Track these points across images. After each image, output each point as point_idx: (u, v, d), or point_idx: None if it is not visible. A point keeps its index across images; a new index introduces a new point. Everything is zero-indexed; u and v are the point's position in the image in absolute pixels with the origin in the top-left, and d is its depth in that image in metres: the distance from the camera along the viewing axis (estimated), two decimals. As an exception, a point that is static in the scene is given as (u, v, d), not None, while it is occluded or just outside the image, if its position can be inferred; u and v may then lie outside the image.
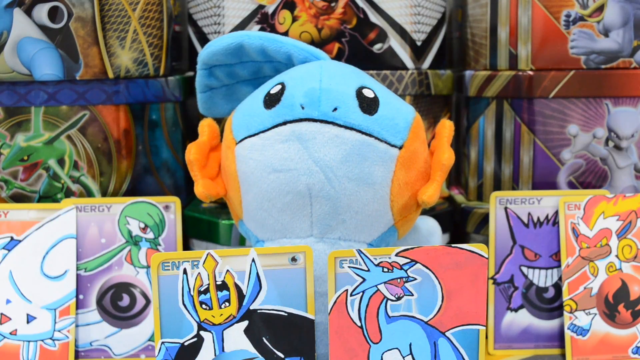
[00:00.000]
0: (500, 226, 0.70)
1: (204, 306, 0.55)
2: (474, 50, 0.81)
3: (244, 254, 0.55)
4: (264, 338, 0.56)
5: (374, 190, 0.57)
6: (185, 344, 0.55)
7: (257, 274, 0.55)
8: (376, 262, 0.55)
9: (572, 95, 0.75)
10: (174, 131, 0.80)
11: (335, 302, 0.55)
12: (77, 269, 0.68)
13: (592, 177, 0.76)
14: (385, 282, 0.55)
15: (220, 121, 0.72)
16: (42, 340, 0.66)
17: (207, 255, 0.55)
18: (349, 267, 0.55)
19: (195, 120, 0.78)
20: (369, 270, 0.55)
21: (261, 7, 0.76)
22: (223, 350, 0.55)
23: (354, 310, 0.55)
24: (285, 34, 0.76)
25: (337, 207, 0.57)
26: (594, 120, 0.75)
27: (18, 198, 0.73)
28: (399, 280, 0.55)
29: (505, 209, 0.70)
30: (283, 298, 0.55)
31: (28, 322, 0.66)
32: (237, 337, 0.55)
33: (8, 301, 0.66)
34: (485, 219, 0.76)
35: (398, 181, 0.58)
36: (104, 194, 0.74)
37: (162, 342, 0.55)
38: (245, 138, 0.59)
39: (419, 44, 0.79)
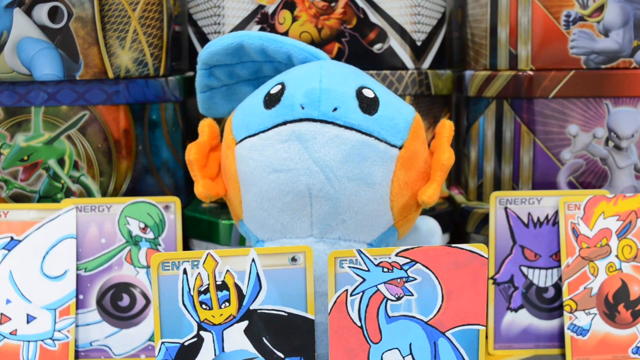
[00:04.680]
0: (500, 226, 0.70)
1: (204, 306, 0.55)
2: (474, 50, 0.81)
3: (244, 254, 0.55)
4: (264, 338, 0.56)
5: (374, 190, 0.57)
6: (185, 344, 0.55)
7: (257, 274, 0.55)
8: (376, 262, 0.55)
9: (572, 95, 0.75)
10: (174, 131, 0.80)
11: (335, 302, 0.55)
12: (77, 269, 0.68)
13: (592, 177, 0.76)
14: (385, 282, 0.55)
15: (220, 121, 0.72)
16: (42, 340, 0.66)
17: (207, 255, 0.55)
18: (349, 267, 0.55)
19: (195, 120, 0.78)
20: (369, 270, 0.55)
21: (261, 7, 0.76)
22: (223, 350, 0.55)
23: (354, 310, 0.55)
24: (285, 34, 0.76)
25: (337, 207, 0.57)
26: (594, 120, 0.75)
27: (18, 198, 0.73)
28: (399, 280, 0.55)
29: (505, 209, 0.70)
30: (283, 298, 0.55)
31: (28, 322, 0.66)
32: (237, 337, 0.55)
33: (8, 301, 0.66)
34: (485, 219, 0.76)
35: (398, 181, 0.58)
36: (104, 194, 0.74)
37: (162, 342, 0.55)
38: (245, 138, 0.59)
39: (419, 44, 0.79)
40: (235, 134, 0.60)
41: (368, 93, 0.58)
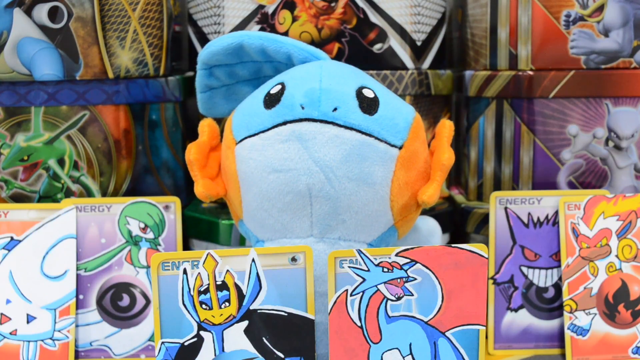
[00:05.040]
0: (500, 226, 0.70)
1: (204, 306, 0.55)
2: (474, 50, 0.81)
3: (244, 254, 0.55)
4: (264, 338, 0.56)
5: (374, 190, 0.57)
6: (185, 344, 0.55)
7: (257, 274, 0.55)
8: (376, 262, 0.55)
9: (572, 95, 0.75)
10: (174, 131, 0.80)
11: (335, 302, 0.55)
12: (77, 269, 0.68)
13: (592, 177, 0.76)
14: (385, 282, 0.55)
15: (220, 121, 0.72)
16: (42, 340, 0.66)
17: (207, 255, 0.55)
18: (349, 267, 0.55)
19: (195, 120, 0.78)
20: (369, 270, 0.55)
21: (261, 7, 0.76)
22: (223, 350, 0.55)
23: (354, 310, 0.55)
24: (285, 34, 0.76)
25: (337, 207, 0.57)
26: (594, 120, 0.75)
27: (18, 198, 0.73)
28: (399, 280, 0.55)
29: (505, 209, 0.70)
30: (283, 298, 0.55)
31: (28, 322, 0.66)
32: (237, 337, 0.55)
33: (8, 301, 0.66)
34: (485, 219, 0.76)
35: (398, 181, 0.58)
36: (104, 194, 0.74)
37: (162, 342, 0.55)
38: (245, 138, 0.59)
39: (419, 44, 0.79)
40: (235, 134, 0.60)
41: (368, 93, 0.58)
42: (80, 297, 0.68)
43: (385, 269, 0.55)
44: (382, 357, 0.56)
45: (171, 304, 0.55)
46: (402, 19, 0.77)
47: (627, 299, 0.68)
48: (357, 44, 0.77)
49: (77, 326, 0.68)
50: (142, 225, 0.69)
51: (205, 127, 0.64)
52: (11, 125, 0.72)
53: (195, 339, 0.55)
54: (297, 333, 0.55)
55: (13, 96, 0.72)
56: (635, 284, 0.68)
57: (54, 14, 0.71)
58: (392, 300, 0.56)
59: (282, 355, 0.56)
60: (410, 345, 0.56)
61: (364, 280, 0.55)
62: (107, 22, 0.72)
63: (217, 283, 0.55)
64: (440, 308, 0.56)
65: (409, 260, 0.55)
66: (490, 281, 0.70)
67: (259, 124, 0.58)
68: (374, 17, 0.77)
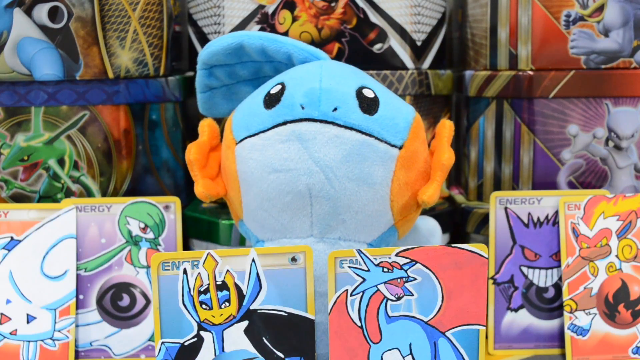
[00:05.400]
0: (500, 226, 0.70)
1: (204, 306, 0.55)
2: (474, 50, 0.81)
3: (244, 254, 0.55)
4: (264, 338, 0.56)
5: (374, 190, 0.57)
6: (185, 344, 0.55)
7: (257, 274, 0.55)
8: (376, 262, 0.55)
9: (572, 95, 0.75)
10: (174, 131, 0.80)
11: (335, 302, 0.55)
12: (77, 269, 0.68)
13: (592, 177, 0.76)
14: (385, 282, 0.55)
15: (220, 121, 0.72)
16: (42, 340, 0.66)
17: (207, 255, 0.55)
18: (349, 267, 0.55)
19: (195, 120, 0.78)
20: (369, 270, 0.55)
21: (261, 7, 0.76)
22: (223, 350, 0.55)
23: (354, 310, 0.55)
24: (285, 34, 0.76)
25: (337, 207, 0.57)
26: (594, 120, 0.75)
27: (18, 198, 0.73)
28: (399, 280, 0.55)
29: (505, 209, 0.70)
30: (283, 298, 0.55)
31: (28, 322, 0.66)
32: (237, 337, 0.55)
33: (8, 301, 0.66)
34: (485, 219, 0.76)
35: (398, 181, 0.58)
36: (104, 194, 0.74)
37: (162, 342, 0.55)
38: (246, 138, 0.59)
39: (419, 44, 0.79)
40: (235, 134, 0.60)
41: (368, 93, 0.58)
42: (80, 297, 0.68)
43: (385, 269, 0.55)
44: (382, 357, 0.56)
45: (171, 304, 0.55)
46: (402, 19, 0.77)
47: (627, 299, 0.68)
48: (357, 44, 0.77)
49: (77, 326, 0.68)
50: (142, 225, 0.69)
51: (205, 127, 0.64)
52: (11, 125, 0.72)
53: (195, 339, 0.55)
54: (297, 333, 0.56)
55: (13, 96, 0.72)
56: (635, 284, 0.68)
57: (54, 14, 0.71)
58: (392, 300, 0.56)
59: (282, 355, 0.56)
60: (410, 345, 0.56)
61: (364, 280, 0.55)
62: (107, 22, 0.72)
63: (217, 283, 0.55)
64: (440, 308, 0.56)
65: (409, 260, 0.55)
66: (490, 281, 0.70)
67: (259, 124, 0.58)
68: (374, 17, 0.77)
